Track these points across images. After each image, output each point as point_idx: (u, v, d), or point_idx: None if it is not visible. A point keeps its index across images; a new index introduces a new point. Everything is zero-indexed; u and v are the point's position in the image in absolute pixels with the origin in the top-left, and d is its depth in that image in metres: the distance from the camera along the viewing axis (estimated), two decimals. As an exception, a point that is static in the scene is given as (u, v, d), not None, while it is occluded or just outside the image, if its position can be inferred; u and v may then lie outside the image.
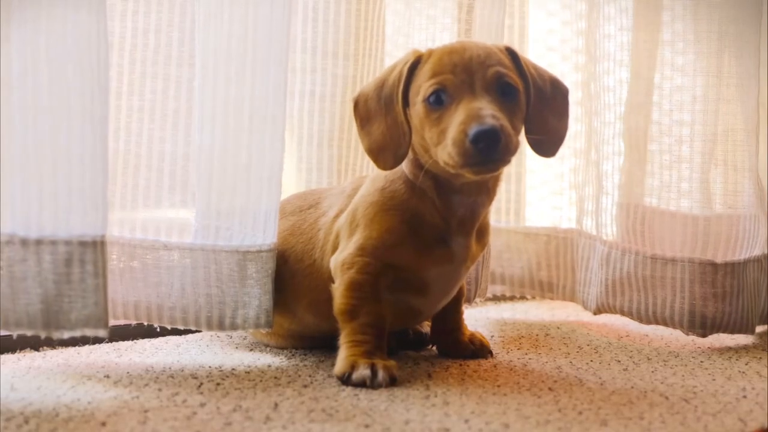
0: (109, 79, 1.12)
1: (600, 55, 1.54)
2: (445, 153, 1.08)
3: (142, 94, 1.25)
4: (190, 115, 1.25)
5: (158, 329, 1.33)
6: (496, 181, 1.20)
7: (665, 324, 1.47)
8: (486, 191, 1.19)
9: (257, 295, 1.23)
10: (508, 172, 1.71)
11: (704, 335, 1.45)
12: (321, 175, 1.48)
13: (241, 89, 1.21)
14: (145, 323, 1.24)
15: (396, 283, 1.19)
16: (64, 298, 1.06)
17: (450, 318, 1.31)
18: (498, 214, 1.70)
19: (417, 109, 1.13)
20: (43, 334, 1.06)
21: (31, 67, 1.05)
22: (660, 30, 1.49)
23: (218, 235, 1.23)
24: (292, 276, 1.26)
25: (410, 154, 1.18)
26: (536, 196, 1.77)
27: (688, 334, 1.46)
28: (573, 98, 1.66)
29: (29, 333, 1.06)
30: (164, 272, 1.22)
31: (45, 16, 1.05)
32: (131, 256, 1.22)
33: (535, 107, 1.17)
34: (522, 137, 1.17)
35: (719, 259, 1.44)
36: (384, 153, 1.16)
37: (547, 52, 1.74)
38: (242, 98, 1.21)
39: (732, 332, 1.45)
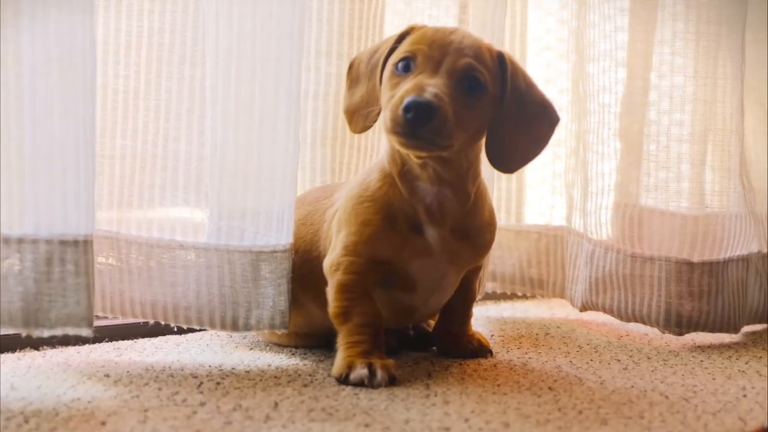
0: (96, 79, 1.11)
1: (591, 54, 1.54)
2: (384, 116, 1.10)
3: (158, 94, 1.25)
4: (204, 115, 1.25)
5: (176, 328, 1.33)
6: (458, 178, 1.17)
7: (643, 322, 1.47)
8: (449, 186, 1.17)
9: (271, 296, 1.23)
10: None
11: (680, 333, 1.45)
12: (314, 174, 1.48)
13: (253, 89, 1.21)
14: (162, 322, 1.25)
15: (386, 281, 1.19)
16: (44, 297, 1.06)
17: (457, 319, 1.30)
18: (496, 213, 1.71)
19: (386, 72, 1.15)
20: (23, 333, 1.06)
21: (12, 66, 1.05)
22: (654, 30, 1.50)
23: (231, 235, 1.23)
24: (301, 266, 1.25)
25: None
26: (536, 194, 1.78)
27: (663, 333, 1.47)
28: (565, 100, 1.67)
29: (9, 331, 1.07)
30: (180, 272, 1.22)
31: (27, 15, 1.04)
32: (148, 256, 1.23)
33: (509, 119, 1.15)
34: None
35: (696, 258, 1.45)
36: (357, 115, 1.20)
37: (544, 50, 1.75)
38: (254, 98, 1.21)
39: (712, 331, 1.45)
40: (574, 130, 1.61)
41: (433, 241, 1.18)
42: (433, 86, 1.07)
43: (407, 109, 1.05)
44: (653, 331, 1.54)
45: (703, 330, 1.45)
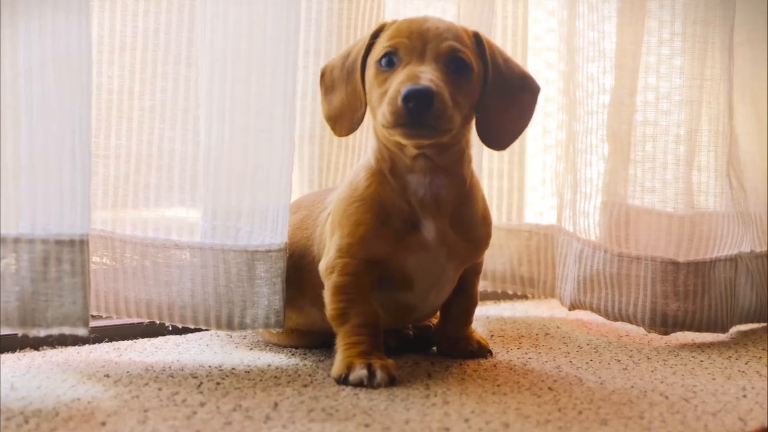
0: (92, 79, 1.12)
1: (583, 57, 1.54)
2: (380, 113, 1.09)
3: (153, 94, 1.26)
4: (198, 115, 1.26)
5: (170, 328, 1.33)
6: (454, 163, 1.18)
7: (630, 321, 1.48)
8: (444, 172, 1.17)
9: (266, 295, 1.23)
10: (499, 168, 1.71)
11: (666, 333, 1.45)
12: (302, 173, 1.48)
13: (249, 89, 1.21)
14: (157, 322, 1.25)
15: (382, 280, 1.19)
16: (41, 297, 1.07)
17: (457, 324, 1.30)
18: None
19: (369, 71, 1.15)
20: (20, 332, 1.07)
21: (8, 66, 1.05)
22: (643, 32, 1.50)
23: (226, 234, 1.23)
24: (296, 270, 1.26)
25: (376, 139, 1.19)
26: (537, 195, 1.78)
27: (649, 332, 1.47)
28: (556, 104, 1.68)
29: (6, 331, 1.07)
30: (175, 271, 1.23)
31: (24, 16, 1.05)
32: (143, 255, 1.23)
33: (493, 96, 1.17)
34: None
35: (682, 258, 1.45)
36: (341, 120, 1.19)
37: (545, 51, 1.75)
38: (249, 98, 1.21)
39: (699, 331, 1.46)
40: (566, 130, 1.62)
41: (429, 236, 1.17)
42: (425, 72, 1.08)
43: (407, 98, 1.05)
44: (653, 331, 1.55)
45: (689, 330, 1.45)
